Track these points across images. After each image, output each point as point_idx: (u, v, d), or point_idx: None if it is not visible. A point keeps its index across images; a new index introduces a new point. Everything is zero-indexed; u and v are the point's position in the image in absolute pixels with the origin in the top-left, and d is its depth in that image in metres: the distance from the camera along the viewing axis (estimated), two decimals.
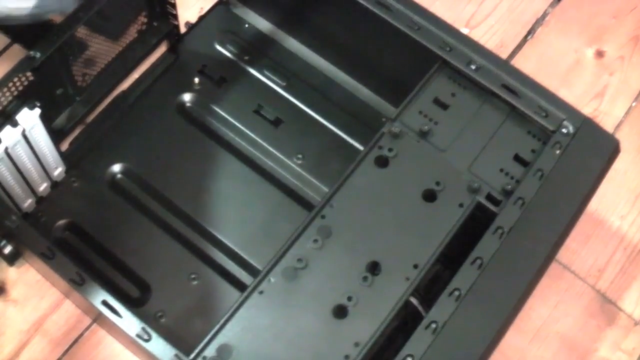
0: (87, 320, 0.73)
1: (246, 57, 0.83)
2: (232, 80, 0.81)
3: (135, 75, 0.80)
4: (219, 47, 0.83)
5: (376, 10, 0.68)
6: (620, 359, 0.82)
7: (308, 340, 0.57)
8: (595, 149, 0.65)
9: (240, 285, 0.71)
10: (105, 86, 0.75)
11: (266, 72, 0.82)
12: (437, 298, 0.57)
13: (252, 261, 0.72)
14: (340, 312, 0.58)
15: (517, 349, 0.82)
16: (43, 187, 0.73)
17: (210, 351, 0.56)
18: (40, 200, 0.73)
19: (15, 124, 0.64)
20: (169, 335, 0.59)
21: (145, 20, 0.76)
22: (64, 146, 0.76)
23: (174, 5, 0.77)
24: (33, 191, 0.72)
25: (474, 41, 0.68)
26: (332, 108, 0.80)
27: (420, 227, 0.61)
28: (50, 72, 0.67)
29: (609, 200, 0.91)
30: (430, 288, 0.67)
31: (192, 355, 0.57)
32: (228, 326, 0.58)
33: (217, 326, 0.57)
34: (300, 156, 0.77)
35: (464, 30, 0.92)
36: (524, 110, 0.65)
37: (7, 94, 0.64)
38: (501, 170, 0.64)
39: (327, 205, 0.62)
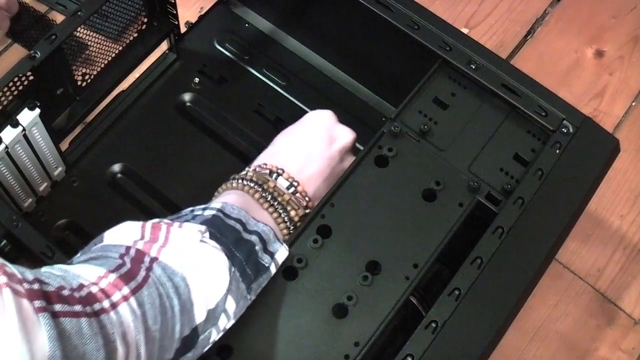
0: None
1: (246, 57, 0.83)
2: (232, 80, 0.81)
3: (135, 75, 0.80)
4: (219, 47, 0.83)
5: (376, 10, 0.68)
6: (619, 359, 0.82)
7: (308, 339, 0.57)
8: (595, 149, 0.65)
9: None
10: (105, 86, 0.75)
11: (266, 72, 0.82)
12: (437, 297, 0.57)
13: None
14: (340, 311, 0.58)
15: (517, 348, 0.82)
16: (43, 187, 0.73)
17: (210, 351, 0.56)
18: (40, 200, 0.73)
19: (15, 124, 0.64)
20: None
21: (145, 19, 0.76)
22: (64, 146, 0.76)
23: (174, 5, 0.77)
24: (33, 191, 0.72)
25: (474, 41, 0.68)
26: (332, 108, 0.80)
27: (420, 227, 0.61)
28: (50, 72, 0.67)
29: (609, 200, 0.91)
30: (430, 287, 0.67)
31: None
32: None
33: None
34: None
35: (464, 30, 0.92)
36: (524, 110, 0.65)
37: (7, 93, 0.64)
38: (501, 169, 0.64)
39: (327, 204, 0.62)
